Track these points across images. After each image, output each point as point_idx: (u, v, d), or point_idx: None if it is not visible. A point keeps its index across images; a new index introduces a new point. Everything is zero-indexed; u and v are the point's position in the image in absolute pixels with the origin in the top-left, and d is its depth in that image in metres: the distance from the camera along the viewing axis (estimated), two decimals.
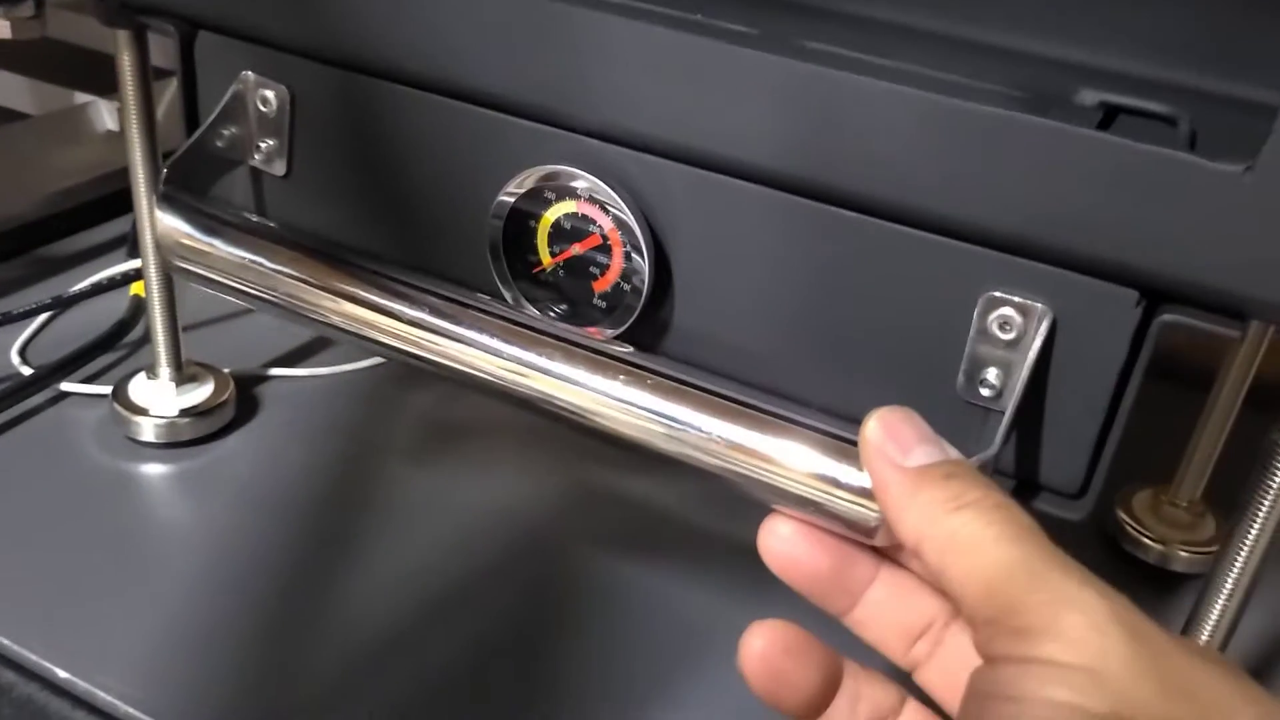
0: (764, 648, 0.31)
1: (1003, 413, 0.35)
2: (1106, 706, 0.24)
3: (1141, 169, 0.32)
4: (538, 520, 0.54)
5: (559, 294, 0.41)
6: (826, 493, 0.32)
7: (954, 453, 0.30)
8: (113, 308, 0.64)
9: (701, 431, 0.34)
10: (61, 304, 0.62)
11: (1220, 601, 0.38)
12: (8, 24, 0.55)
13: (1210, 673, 0.25)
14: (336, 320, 0.38)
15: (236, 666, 0.45)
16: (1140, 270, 0.33)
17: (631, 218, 0.38)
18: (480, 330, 0.37)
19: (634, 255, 0.39)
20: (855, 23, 0.49)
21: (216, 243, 0.40)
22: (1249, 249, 0.31)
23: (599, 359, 0.36)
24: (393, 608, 0.48)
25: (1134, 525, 0.56)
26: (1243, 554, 0.37)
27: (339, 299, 0.38)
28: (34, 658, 0.44)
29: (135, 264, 0.67)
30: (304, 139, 0.44)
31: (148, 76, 0.48)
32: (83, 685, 0.43)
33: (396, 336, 0.38)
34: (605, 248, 0.39)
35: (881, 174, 0.35)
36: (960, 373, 0.36)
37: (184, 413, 0.55)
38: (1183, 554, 0.54)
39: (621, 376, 0.35)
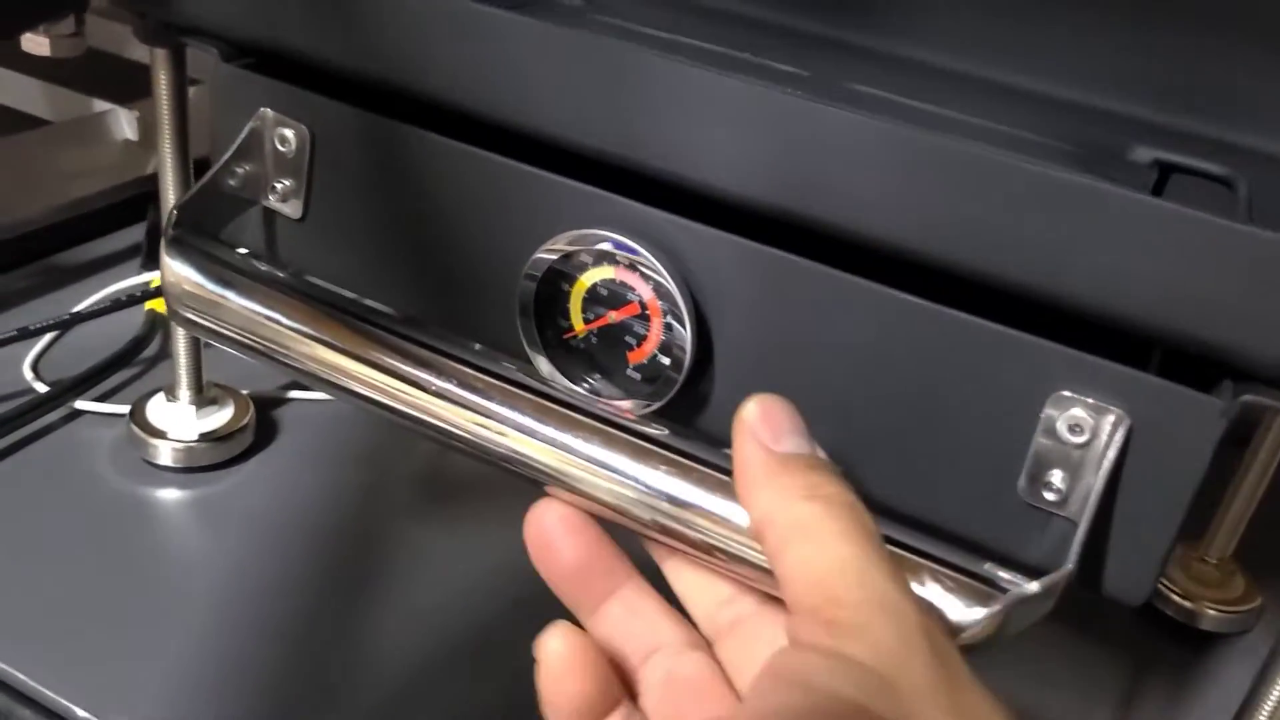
0: (548, 518, 0.33)
1: (1068, 519, 0.33)
2: (891, 716, 0.24)
3: (1213, 242, 0.30)
4: None
5: (591, 363, 0.38)
6: None
7: (823, 455, 0.30)
8: (127, 321, 0.62)
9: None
10: (78, 320, 0.61)
11: None
12: (47, 41, 0.54)
13: (999, 716, 0.26)
14: (356, 388, 0.36)
15: (254, 704, 0.44)
16: (1219, 349, 0.31)
17: (675, 287, 0.36)
18: (511, 407, 0.34)
19: (675, 327, 0.36)
20: (901, 66, 0.46)
21: (229, 295, 0.37)
22: None
23: (638, 444, 0.34)
24: (410, 643, 0.47)
25: (1162, 580, 0.54)
26: None
27: (360, 363, 0.36)
28: (51, 694, 0.43)
29: (148, 277, 0.66)
30: (323, 181, 0.41)
31: (184, 95, 0.46)
32: None
33: (420, 409, 0.35)
34: (643, 317, 0.37)
35: (951, 234, 0.33)
36: (1023, 473, 0.34)
37: (203, 437, 0.54)
38: (1211, 612, 0.54)
39: (663, 466, 0.33)
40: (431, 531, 0.52)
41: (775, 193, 0.34)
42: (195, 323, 0.38)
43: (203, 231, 0.40)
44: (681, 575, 0.34)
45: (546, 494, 0.34)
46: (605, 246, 0.36)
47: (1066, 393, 0.32)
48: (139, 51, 0.76)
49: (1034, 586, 0.30)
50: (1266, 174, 0.41)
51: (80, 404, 0.57)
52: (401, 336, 0.36)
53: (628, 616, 0.33)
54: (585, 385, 0.38)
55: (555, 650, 0.31)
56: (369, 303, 0.38)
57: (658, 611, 0.33)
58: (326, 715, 0.43)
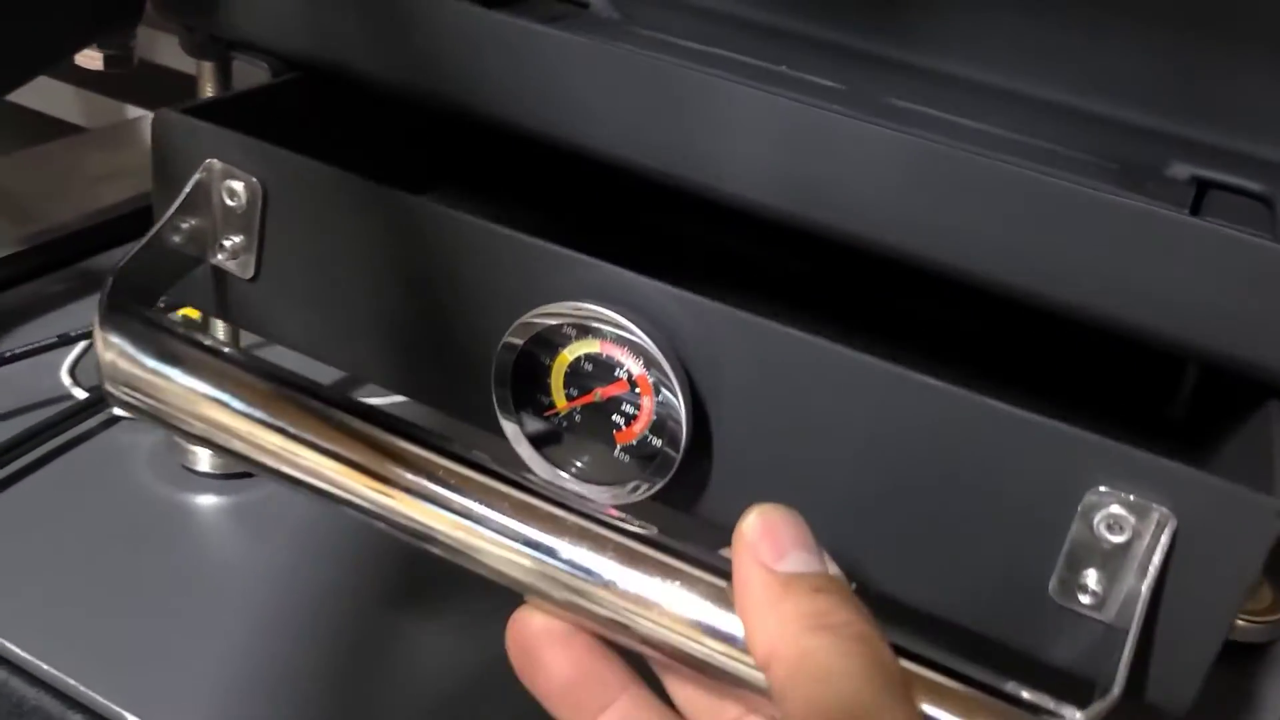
0: (531, 626, 0.30)
1: (1104, 623, 0.30)
2: None
3: (1254, 262, 0.30)
4: None
5: (575, 444, 0.35)
6: None
7: (834, 569, 0.27)
8: None
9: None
10: None
11: None
12: (100, 56, 0.53)
13: None
14: (313, 481, 0.32)
15: (295, 711, 0.44)
16: (1263, 369, 0.31)
17: (667, 362, 0.32)
18: (486, 505, 0.31)
19: (669, 405, 0.33)
20: (938, 80, 0.45)
21: (174, 374, 0.33)
22: None
23: (625, 545, 0.30)
24: (451, 654, 0.47)
25: None
26: None
27: (322, 455, 0.32)
28: (102, 700, 0.43)
29: None
30: (276, 239, 0.38)
31: None
32: None
33: (382, 507, 0.31)
34: (633, 395, 0.33)
35: (992, 252, 0.33)
36: (1055, 574, 0.30)
37: None
38: (1240, 623, 0.52)
39: (658, 576, 0.29)
40: None
41: (815, 210, 0.34)
42: (132, 405, 0.34)
43: (146, 298, 0.36)
44: (683, 690, 0.30)
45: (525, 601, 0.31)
46: (589, 318, 0.33)
47: (1104, 489, 0.29)
48: (167, 56, 0.77)
49: (1077, 716, 0.27)
50: None
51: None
52: (364, 419, 0.33)
53: None
54: (571, 470, 0.34)
55: None
56: (328, 386, 0.34)
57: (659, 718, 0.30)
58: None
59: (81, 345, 0.61)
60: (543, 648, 0.30)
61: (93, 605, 0.47)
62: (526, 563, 0.30)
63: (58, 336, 0.60)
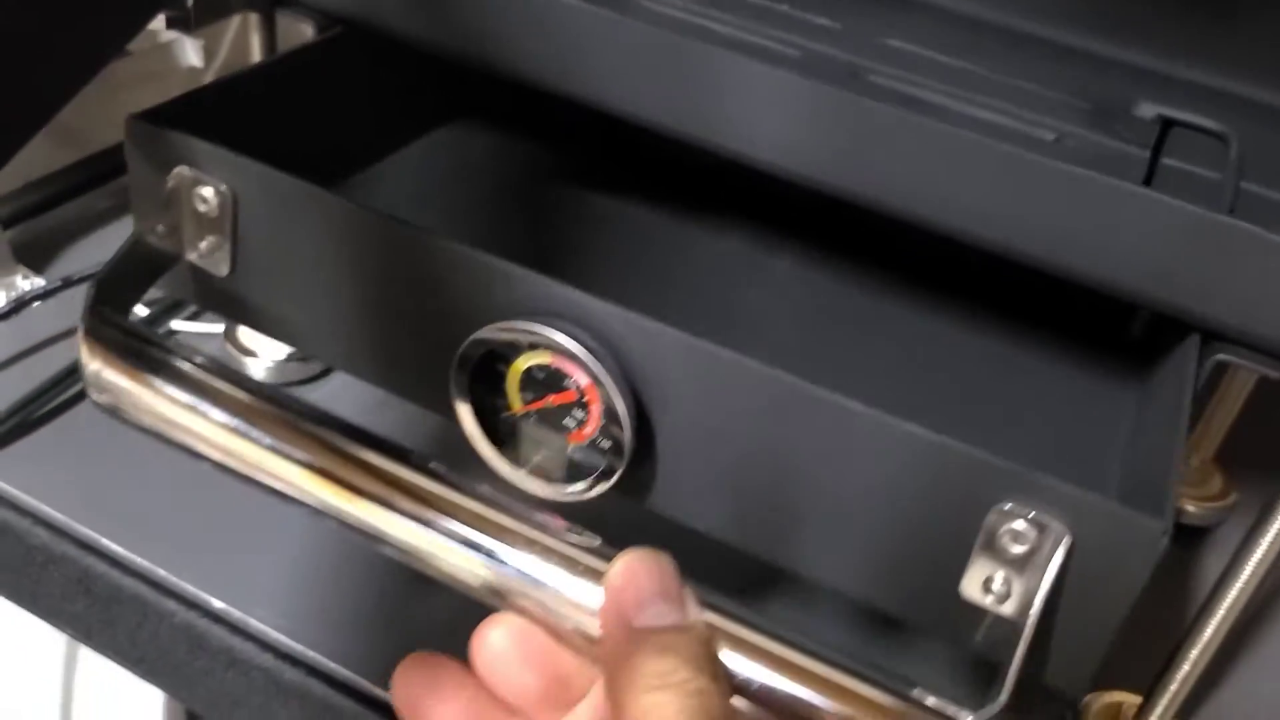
0: (410, 680, 0.33)
1: (1007, 616, 0.33)
2: None
3: (1193, 229, 0.35)
4: None
5: (531, 442, 0.37)
6: None
7: (694, 614, 0.30)
8: None
9: None
10: None
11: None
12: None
13: None
14: (290, 493, 0.35)
15: (361, 592, 0.48)
16: (1195, 315, 0.37)
17: (610, 380, 0.35)
18: (449, 516, 0.34)
19: (613, 413, 0.35)
20: (928, 13, 0.50)
21: (156, 384, 0.36)
22: None
23: (569, 556, 0.33)
24: None
25: None
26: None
27: (296, 465, 0.35)
28: (192, 587, 0.47)
29: None
30: (249, 240, 0.40)
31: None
32: (237, 614, 0.47)
33: (347, 515, 0.34)
34: (581, 404, 0.36)
35: (968, 212, 0.38)
36: (965, 575, 0.33)
37: (290, 356, 0.57)
38: (1190, 508, 0.57)
39: (590, 582, 0.32)
40: None
41: (820, 171, 0.39)
42: (115, 411, 0.36)
43: (130, 298, 0.39)
44: None
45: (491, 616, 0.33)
46: (540, 335, 0.35)
47: (1009, 505, 0.32)
48: None
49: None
50: (1259, 125, 0.46)
51: (175, 324, 0.60)
52: (335, 430, 0.35)
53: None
54: (528, 466, 0.37)
55: None
56: (297, 399, 0.37)
57: None
58: (422, 591, 0.46)
59: None
60: (510, 665, 0.33)
61: (173, 501, 0.51)
62: (475, 567, 0.33)
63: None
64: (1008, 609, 0.33)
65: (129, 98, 0.74)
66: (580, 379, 0.35)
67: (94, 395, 0.36)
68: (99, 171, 0.69)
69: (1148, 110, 0.45)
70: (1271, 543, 0.39)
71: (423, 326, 0.38)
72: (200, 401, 0.36)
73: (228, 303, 0.41)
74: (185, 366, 0.36)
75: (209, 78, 0.78)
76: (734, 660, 0.31)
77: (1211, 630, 0.42)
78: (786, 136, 0.39)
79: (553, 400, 0.36)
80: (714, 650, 0.30)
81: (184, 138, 0.39)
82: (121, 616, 0.49)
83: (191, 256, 0.40)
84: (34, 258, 0.64)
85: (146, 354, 0.37)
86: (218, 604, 0.47)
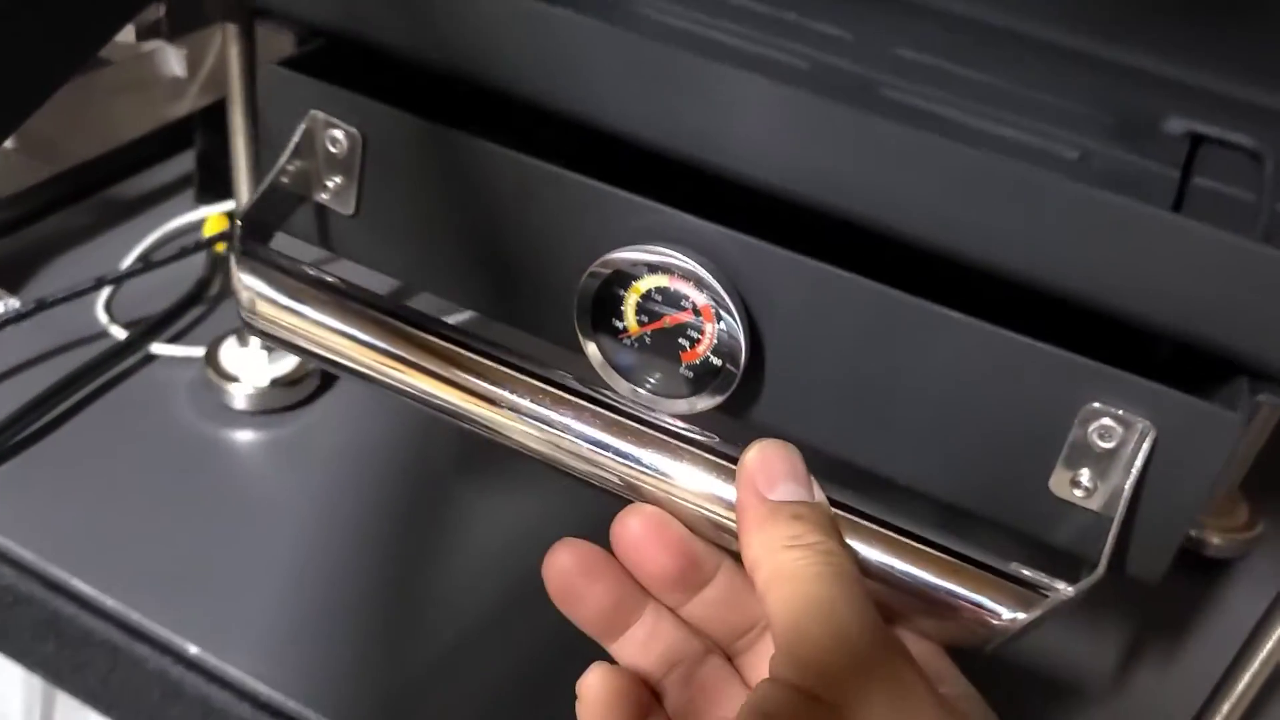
0: (565, 564, 0.36)
1: (1094, 512, 0.36)
2: None
3: (1228, 258, 0.33)
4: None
5: (646, 362, 0.40)
6: None
7: (819, 496, 0.34)
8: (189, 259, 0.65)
9: None
10: (150, 266, 0.63)
11: None
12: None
13: None
14: (428, 398, 0.38)
15: (343, 638, 0.48)
16: (1238, 353, 0.35)
17: (726, 295, 0.38)
18: (579, 420, 0.37)
19: (728, 330, 0.38)
20: (943, 21, 0.48)
21: (302, 309, 0.39)
22: None
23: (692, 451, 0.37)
24: (474, 576, 0.51)
25: None
26: None
27: (428, 377, 0.38)
28: (166, 633, 0.47)
29: (204, 211, 0.70)
30: (375, 180, 0.43)
31: (254, 69, 0.48)
32: (213, 661, 0.46)
33: (487, 422, 0.38)
34: (696, 323, 0.39)
35: (984, 238, 0.36)
36: (1054, 471, 0.37)
37: (274, 382, 0.57)
38: (1215, 540, 0.57)
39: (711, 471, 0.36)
40: (486, 469, 0.56)
41: (828, 194, 0.37)
42: (269, 334, 0.39)
43: (264, 235, 0.42)
44: (697, 620, 0.37)
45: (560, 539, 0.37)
46: (659, 257, 0.38)
47: (1097, 404, 0.35)
48: None
49: (1070, 591, 0.34)
50: None
51: (155, 348, 0.60)
52: (464, 347, 0.39)
53: (649, 639, 0.36)
54: (645, 385, 0.40)
55: (594, 688, 0.35)
56: (427, 311, 0.40)
57: (676, 631, 0.37)
58: (405, 654, 0.48)
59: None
60: (579, 584, 0.36)
61: (150, 539, 0.50)
62: (614, 465, 0.36)
63: (95, 280, 0.62)
64: (1094, 503, 0.36)
65: (108, 109, 0.75)
66: (697, 298, 0.38)
67: (249, 320, 0.39)
68: (76, 187, 0.69)
69: (1177, 125, 0.44)
70: None
71: (546, 256, 0.41)
72: (342, 323, 0.39)
73: (350, 243, 0.44)
74: (326, 294, 0.39)
75: (194, 88, 0.78)
76: (852, 542, 0.35)
77: (1251, 674, 0.42)
78: (795, 157, 0.38)
79: (669, 320, 0.39)
80: (837, 525, 0.34)
81: (319, 84, 0.42)
82: (92, 660, 0.48)
83: (320, 197, 0.43)
84: (7, 278, 0.63)
85: (290, 283, 0.40)
86: (193, 650, 0.47)
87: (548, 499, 0.54)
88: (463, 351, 0.38)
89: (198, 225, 0.69)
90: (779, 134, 0.37)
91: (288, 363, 0.58)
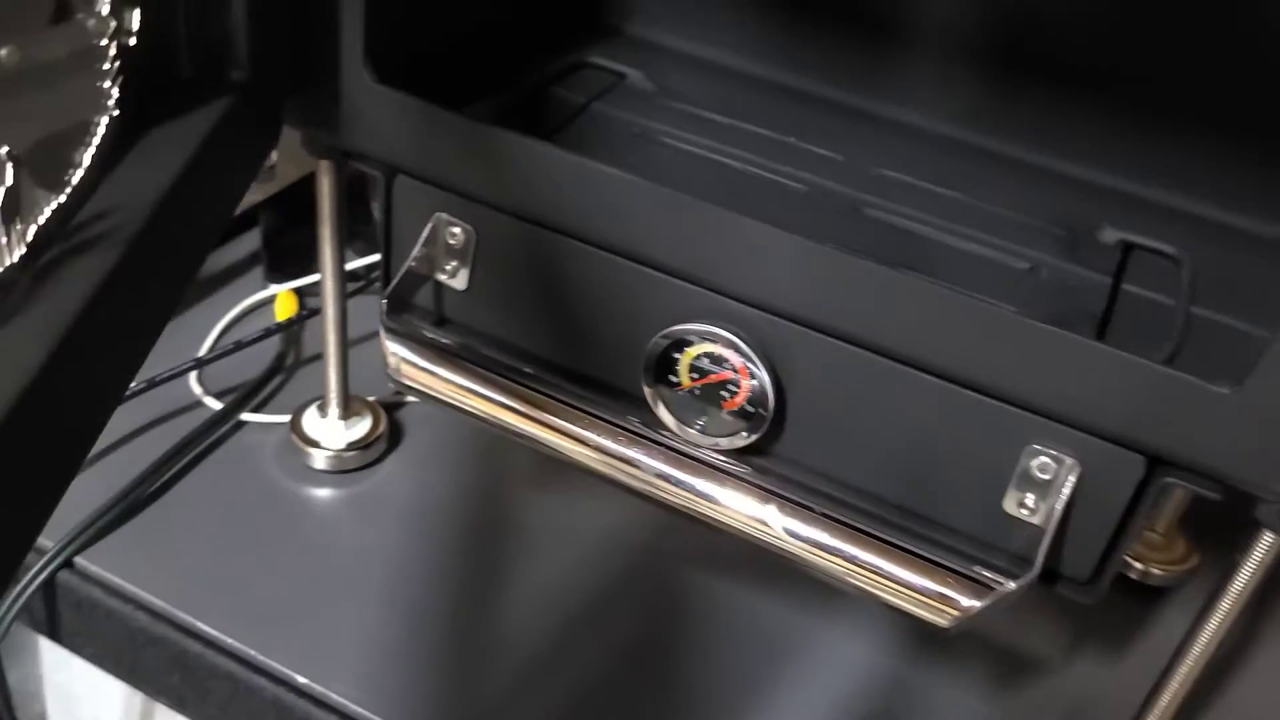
0: None
1: (1036, 526, 0.48)
2: None
3: (1154, 382, 0.44)
4: (643, 538, 0.67)
5: (695, 408, 0.52)
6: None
7: None
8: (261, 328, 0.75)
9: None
10: (240, 346, 0.73)
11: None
12: None
13: None
14: (534, 439, 0.50)
15: (427, 664, 0.57)
16: (1145, 446, 0.45)
17: (758, 360, 0.50)
18: (646, 454, 0.49)
19: (759, 385, 0.50)
20: (922, 139, 0.60)
21: (439, 371, 0.51)
22: (1233, 444, 0.43)
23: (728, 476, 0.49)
24: (537, 611, 0.61)
25: None
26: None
27: (535, 424, 0.50)
28: (279, 666, 0.56)
29: (273, 290, 0.79)
30: (484, 264, 0.55)
31: (342, 199, 0.58)
32: (319, 689, 0.56)
33: (588, 459, 0.50)
34: (735, 380, 0.51)
35: (956, 356, 0.47)
36: (1006, 494, 0.48)
37: (350, 445, 0.67)
38: (1156, 571, 0.67)
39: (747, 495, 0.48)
40: (546, 511, 0.66)
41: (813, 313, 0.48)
42: (413, 389, 0.52)
43: (403, 308, 0.54)
44: None
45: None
46: (707, 329, 0.50)
47: (1038, 446, 0.47)
48: None
49: (1013, 585, 0.46)
50: (1213, 243, 0.55)
51: (244, 415, 0.70)
52: (560, 401, 0.51)
53: None
54: (694, 427, 0.52)
55: None
56: (531, 369, 0.52)
57: None
58: (483, 662, 0.58)
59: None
60: None
61: (252, 581, 0.58)
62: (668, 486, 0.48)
63: (194, 360, 0.71)
64: (1037, 519, 0.48)
65: None
66: (736, 361, 0.50)
67: (398, 379, 0.52)
68: None
69: (1111, 235, 0.53)
70: (1231, 603, 0.47)
71: (620, 327, 0.53)
72: (471, 379, 0.51)
73: (463, 312, 0.57)
74: (461, 358, 0.52)
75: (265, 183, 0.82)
76: (858, 551, 0.47)
77: (1176, 685, 0.50)
78: (792, 289, 0.47)
79: (714, 378, 0.51)
80: None
81: (441, 192, 0.54)
82: (215, 689, 0.57)
83: (439, 277, 0.56)
84: None
85: (431, 350, 0.52)
86: (301, 679, 0.55)
87: (604, 532, 0.65)
88: (548, 398, 0.51)
89: (267, 301, 0.78)
90: (790, 277, 0.48)
91: (361, 428, 0.67)
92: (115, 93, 0.36)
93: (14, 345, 0.30)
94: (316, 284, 0.63)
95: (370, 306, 0.65)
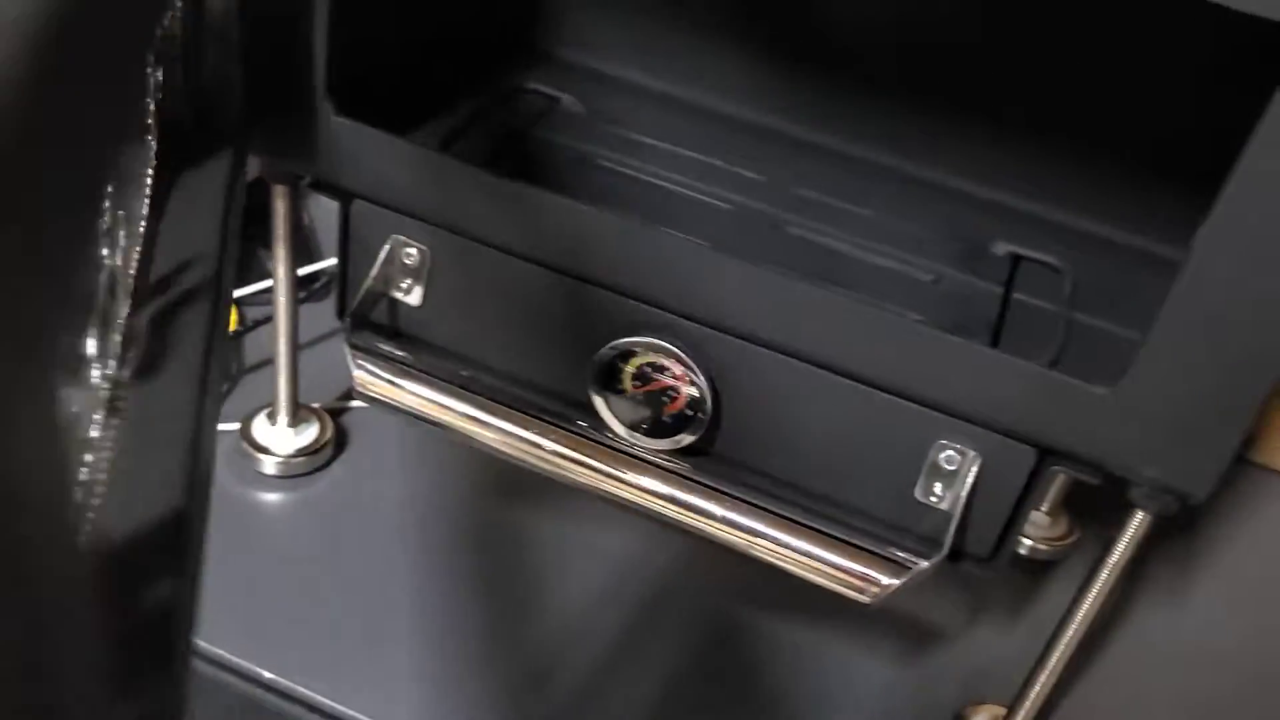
0: None
1: (944, 511, 0.55)
2: None
3: (1041, 384, 0.50)
4: (589, 535, 0.72)
5: (640, 411, 0.57)
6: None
7: None
8: None
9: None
10: None
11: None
12: None
13: None
14: (491, 445, 0.55)
15: (374, 663, 0.62)
16: (1035, 439, 0.52)
17: (696, 367, 0.55)
18: (592, 457, 0.54)
19: (698, 392, 0.56)
20: (842, 161, 0.66)
21: (403, 384, 0.55)
22: (1110, 436, 0.50)
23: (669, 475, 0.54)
24: (484, 612, 0.66)
25: None
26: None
27: (494, 432, 0.55)
28: (242, 661, 0.61)
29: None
30: (437, 281, 0.59)
31: (297, 222, 0.62)
32: (285, 683, 0.60)
33: (541, 462, 0.54)
34: (675, 387, 0.56)
35: (871, 362, 0.53)
36: (918, 484, 0.55)
37: (299, 451, 0.70)
38: (1042, 547, 0.75)
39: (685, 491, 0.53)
40: (488, 509, 0.71)
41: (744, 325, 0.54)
42: (378, 400, 0.56)
43: (366, 324, 0.58)
44: None
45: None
46: (649, 341, 0.55)
47: (944, 440, 0.53)
48: None
49: (926, 564, 0.52)
50: (1092, 254, 0.62)
51: None
52: (512, 407, 0.55)
53: None
54: (639, 428, 0.57)
55: None
56: (485, 378, 0.57)
57: None
58: (426, 664, 0.63)
59: None
60: None
61: (206, 585, 0.62)
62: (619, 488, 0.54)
63: None
64: (944, 505, 0.55)
65: None
66: (676, 369, 0.56)
67: (362, 392, 0.56)
68: None
69: (1001, 249, 0.59)
70: (1109, 573, 0.53)
71: (569, 338, 0.58)
72: (436, 389, 0.56)
73: (416, 324, 0.61)
74: (422, 371, 0.56)
75: None
76: (787, 536, 0.52)
77: (1062, 648, 0.56)
78: (725, 303, 0.53)
79: (656, 385, 0.57)
80: None
81: (398, 215, 0.58)
82: None
83: (396, 294, 0.60)
84: None
85: (393, 365, 0.56)
86: (267, 675, 0.60)
87: (547, 527, 0.70)
88: (501, 405, 0.55)
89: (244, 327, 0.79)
90: (723, 291, 0.54)
91: (309, 434, 0.71)
92: (155, 145, 0.40)
93: (171, 389, 0.33)
94: (256, 294, 0.66)
95: (309, 313, 0.69)
